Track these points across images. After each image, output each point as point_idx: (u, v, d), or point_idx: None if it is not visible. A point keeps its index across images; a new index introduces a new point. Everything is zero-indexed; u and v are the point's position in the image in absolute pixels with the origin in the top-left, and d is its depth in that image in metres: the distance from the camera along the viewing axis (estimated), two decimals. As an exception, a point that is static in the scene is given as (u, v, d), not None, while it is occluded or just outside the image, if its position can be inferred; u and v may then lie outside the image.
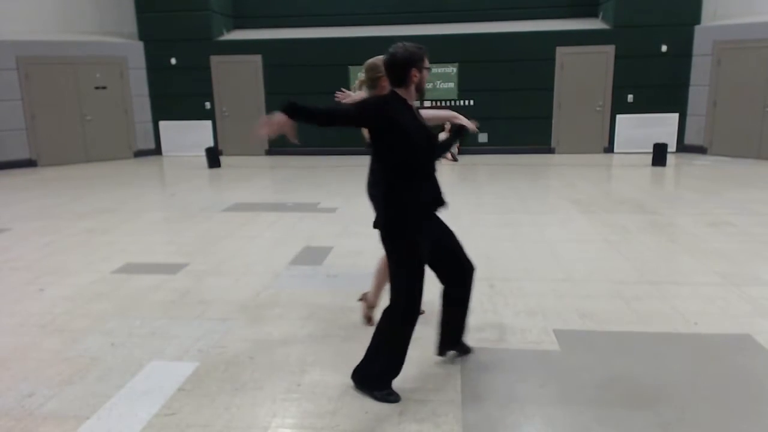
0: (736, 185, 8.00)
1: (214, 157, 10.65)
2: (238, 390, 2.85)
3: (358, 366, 2.83)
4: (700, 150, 10.97)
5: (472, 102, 11.37)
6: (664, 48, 10.91)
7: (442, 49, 11.36)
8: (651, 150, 9.98)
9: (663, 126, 11.17)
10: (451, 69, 11.43)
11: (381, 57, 3.32)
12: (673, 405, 2.66)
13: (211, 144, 11.79)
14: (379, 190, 2.89)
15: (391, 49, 2.66)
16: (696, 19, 10.78)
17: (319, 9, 12.15)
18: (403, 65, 2.63)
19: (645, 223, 5.97)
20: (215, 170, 10.38)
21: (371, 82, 3.35)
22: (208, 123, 12.15)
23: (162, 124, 12.19)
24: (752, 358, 3.09)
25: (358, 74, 3.57)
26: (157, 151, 12.28)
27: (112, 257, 5.11)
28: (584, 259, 4.79)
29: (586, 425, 2.51)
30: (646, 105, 11.19)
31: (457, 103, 11.42)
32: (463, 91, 11.44)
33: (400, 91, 2.67)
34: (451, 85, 11.47)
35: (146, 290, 4.27)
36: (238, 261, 4.96)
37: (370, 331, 3.47)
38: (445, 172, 9.70)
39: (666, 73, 11.01)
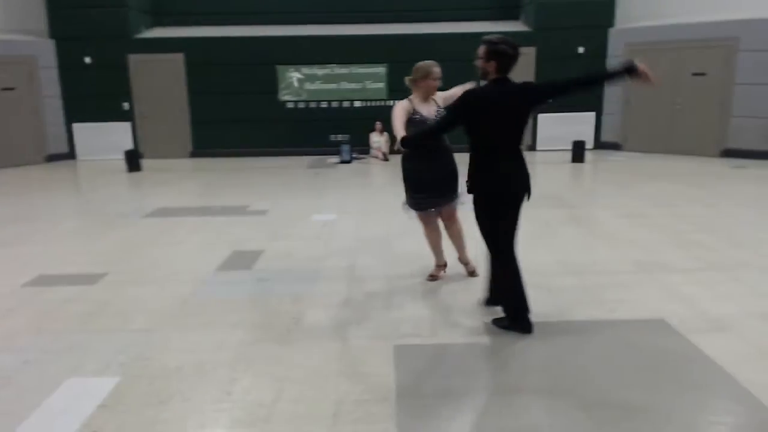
0: (648, 179, 8.50)
1: (134, 161, 10.17)
2: (163, 403, 2.73)
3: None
4: (616, 146, 11.58)
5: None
6: (581, 50, 11.44)
7: (372, 50, 11.42)
8: (570, 147, 10.45)
9: (581, 124, 11.71)
10: (381, 69, 11.51)
11: (429, 62, 4.10)
12: (595, 388, 2.79)
13: (131, 147, 11.25)
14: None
15: (510, 41, 3.30)
16: (610, 21, 11.38)
17: (245, 7, 11.85)
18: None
19: (565, 217, 6.24)
20: (135, 174, 9.92)
21: (412, 82, 4.15)
22: (127, 125, 11.58)
23: (76, 126, 11.50)
24: (666, 341, 3.29)
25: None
26: (71, 155, 11.57)
27: (23, 269, 4.76)
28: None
29: (516, 412, 2.59)
30: (565, 104, 11.68)
31: (388, 103, 11.49)
32: (393, 91, 11.51)
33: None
34: (381, 85, 11.55)
35: (61, 303, 4.01)
36: (162, 269, 4.76)
37: (302, 333, 3.44)
38: (378, 170, 9.76)
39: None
